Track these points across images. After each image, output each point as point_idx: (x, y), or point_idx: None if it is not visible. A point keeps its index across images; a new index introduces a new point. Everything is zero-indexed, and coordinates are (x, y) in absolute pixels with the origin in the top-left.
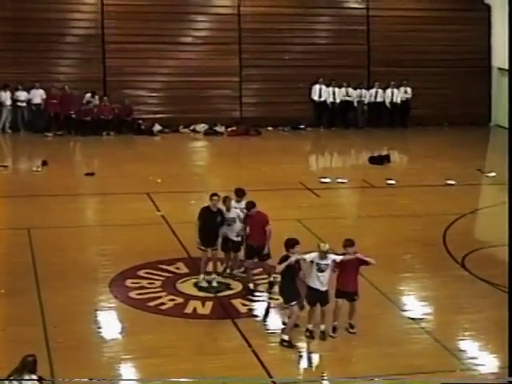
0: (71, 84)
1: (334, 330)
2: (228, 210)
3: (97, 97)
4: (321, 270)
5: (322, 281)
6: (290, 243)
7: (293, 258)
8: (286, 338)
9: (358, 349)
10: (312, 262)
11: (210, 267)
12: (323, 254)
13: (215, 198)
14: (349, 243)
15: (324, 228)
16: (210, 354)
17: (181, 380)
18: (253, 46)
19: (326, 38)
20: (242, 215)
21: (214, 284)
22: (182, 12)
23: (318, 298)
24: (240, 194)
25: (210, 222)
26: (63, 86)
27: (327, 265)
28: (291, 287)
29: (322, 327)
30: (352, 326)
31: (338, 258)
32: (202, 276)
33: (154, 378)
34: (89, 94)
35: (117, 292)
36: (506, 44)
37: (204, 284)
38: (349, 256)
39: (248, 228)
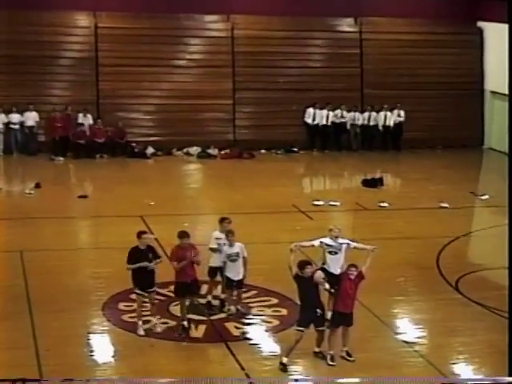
0: (64, 107)
1: (332, 358)
2: (231, 245)
3: (89, 115)
4: (334, 253)
5: (335, 265)
6: (302, 264)
7: (292, 246)
8: (284, 360)
9: (351, 372)
10: (321, 244)
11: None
12: (335, 235)
13: (145, 236)
14: (352, 266)
15: (318, 251)
16: (203, 378)
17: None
18: (246, 69)
19: (319, 61)
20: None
21: (158, 329)
22: (175, 35)
23: (333, 281)
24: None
25: (143, 262)
26: (66, 107)
27: (341, 244)
28: (306, 309)
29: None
30: (349, 355)
31: (353, 244)
32: (140, 322)
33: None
34: (81, 114)
35: (110, 315)
36: (499, 67)
37: (142, 332)
38: (362, 245)
39: (175, 263)
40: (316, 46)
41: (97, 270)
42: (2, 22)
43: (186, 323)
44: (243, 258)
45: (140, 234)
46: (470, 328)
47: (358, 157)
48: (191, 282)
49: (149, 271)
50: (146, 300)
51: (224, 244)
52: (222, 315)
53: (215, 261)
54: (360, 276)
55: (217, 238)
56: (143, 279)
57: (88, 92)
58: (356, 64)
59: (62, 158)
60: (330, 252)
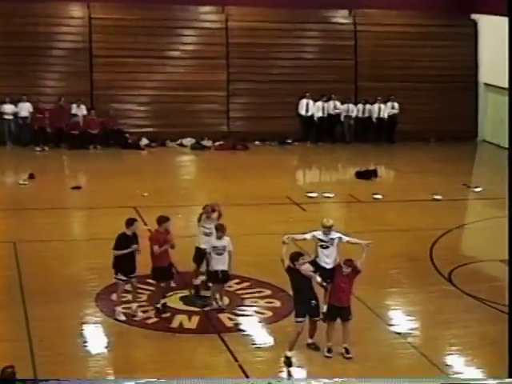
0: (58, 98)
1: (329, 350)
2: (220, 237)
3: (83, 106)
4: (325, 247)
5: (326, 259)
6: (295, 256)
7: (285, 238)
8: (288, 354)
9: (345, 364)
10: (313, 237)
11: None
12: (326, 230)
13: (135, 223)
14: (350, 263)
15: (311, 242)
16: (196, 369)
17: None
18: (240, 61)
19: (313, 52)
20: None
21: (140, 315)
22: (169, 26)
23: (325, 275)
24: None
25: (128, 249)
26: (59, 98)
27: (332, 239)
28: (301, 301)
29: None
30: (348, 351)
31: (346, 238)
32: (119, 308)
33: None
34: (74, 105)
35: (103, 306)
36: (493, 59)
37: (122, 317)
38: (356, 239)
39: (157, 247)
40: (310, 38)
41: (90, 261)
42: None
43: (159, 306)
44: (229, 251)
45: (132, 221)
46: (463, 320)
47: (351, 149)
48: (168, 266)
49: (133, 257)
50: (128, 287)
51: (210, 234)
52: (215, 306)
53: (204, 243)
54: (355, 271)
55: (204, 227)
56: (128, 265)
57: (82, 83)
58: (350, 56)
59: (38, 149)
60: (321, 246)
